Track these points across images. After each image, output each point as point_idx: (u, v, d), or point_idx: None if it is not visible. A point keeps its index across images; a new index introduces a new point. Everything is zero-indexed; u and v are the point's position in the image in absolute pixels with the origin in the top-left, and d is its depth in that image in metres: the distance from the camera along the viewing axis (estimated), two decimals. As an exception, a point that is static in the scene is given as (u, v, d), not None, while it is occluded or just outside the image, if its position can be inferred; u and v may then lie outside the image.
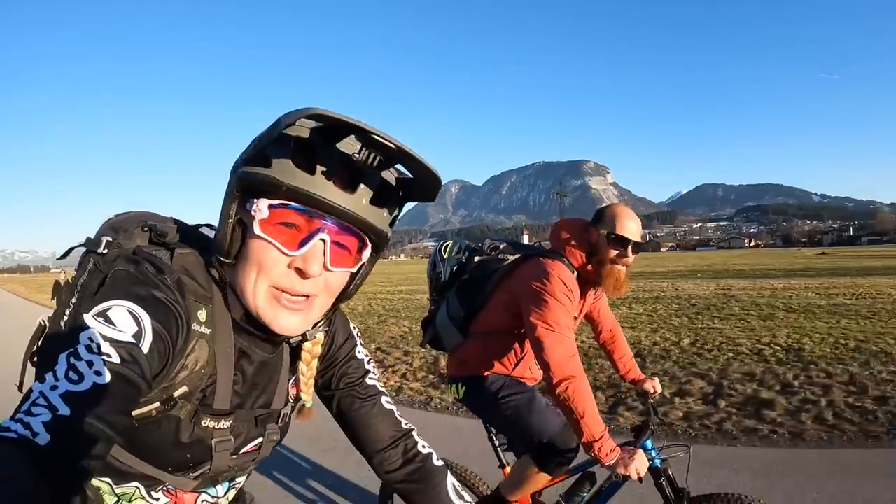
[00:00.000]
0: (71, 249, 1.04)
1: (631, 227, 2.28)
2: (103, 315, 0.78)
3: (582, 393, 2.05)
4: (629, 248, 2.28)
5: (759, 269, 31.95)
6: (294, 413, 1.21)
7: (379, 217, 0.94)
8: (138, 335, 0.79)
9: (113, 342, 0.76)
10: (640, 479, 2.02)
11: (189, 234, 1.05)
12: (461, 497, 1.21)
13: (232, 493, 1.20)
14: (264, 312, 0.92)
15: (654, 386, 2.80)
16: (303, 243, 0.89)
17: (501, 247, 2.76)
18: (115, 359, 0.74)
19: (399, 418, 1.26)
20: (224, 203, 0.91)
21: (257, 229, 0.87)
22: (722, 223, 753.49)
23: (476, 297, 2.59)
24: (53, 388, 0.69)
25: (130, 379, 0.75)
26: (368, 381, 1.25)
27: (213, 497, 1.14)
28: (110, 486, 1.00)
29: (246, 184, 0.87)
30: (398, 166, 0.94)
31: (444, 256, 2.75)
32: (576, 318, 2.46)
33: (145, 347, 0.79)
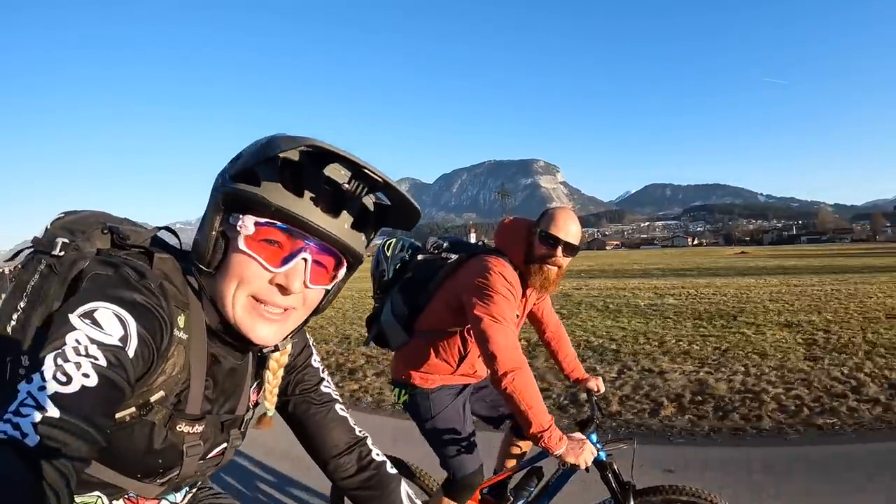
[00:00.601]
0: (20, 252, 1.02)
1: (565, 227, 2.30)
2: (90, 317, 0.78)
3: (527, 384, 2.08)
4: (559, 248, 2.30)
5: (648, 269, 32.41)
6: (254, 421, 1.20)
7: (358, 240, 0.98)
8: (125, 339, 0.79)
9: (100, 345, 0.75)
10: (586, 469, 2.10)
11: (151, 239, 1.05)
12: None
13: (188, 498, 1.22)
14: (243, 322, 0.94)
15: (597, 384, 2.86)
16: (285, 261, 0.92)
17: (444, 245, 2.71)
18: (102, 362, 0.74)
19: (353, 426, 1.29)
20: (207, 214, 0.93)
21: (242, 245, 0.90)
22: (669, 222, 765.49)
23: (420, 295, 2.59)
24: (41, 388, 0.69)
25: (116, 383, 0.75)
26: (323, 389, 1.28)
27: (171, 503, 1.16)
28: None
29: (233, 198, 0.89)
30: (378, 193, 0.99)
31: (388, 254, 2.73)
32: (518, 315, 2.50)
33: (131, 352, 0.79)
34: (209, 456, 1.08)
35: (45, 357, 0.72)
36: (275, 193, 0.86)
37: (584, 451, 2.04)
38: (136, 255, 0.96)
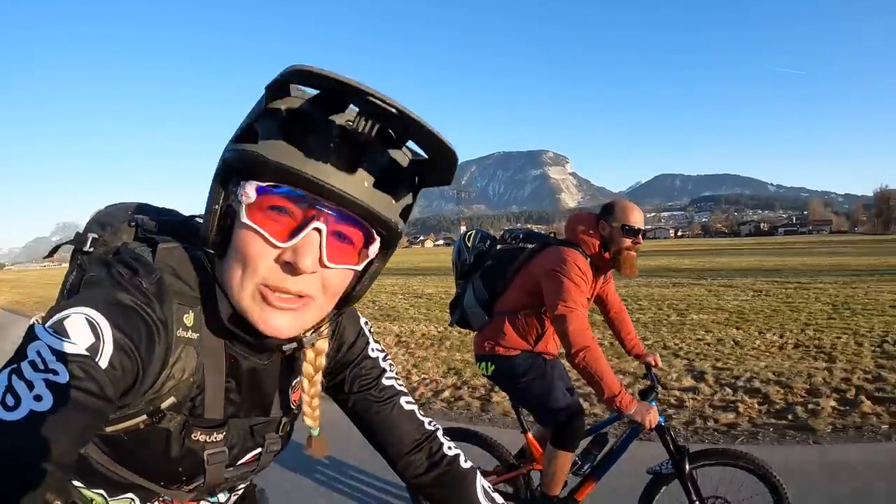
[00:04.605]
0: (58, 247, 0.96)
1: (639, 217, 2.69)
2: (57, 325, 0.68)
3: (597, 358, 2.40)
4: (640, 236, 2.68)
5: (441, 266, 32.78)
6: (305, 445, 1.08)
7: (384, 203, 0.78)
8: (95, 348, 0.68)
9: (63, 356, 0.65)
10: (650, 429, 2.42)
11: (180, 227, 0.95)
12: (491, 500, 1.10)
13: (234, 498, 1.12)
14: (250, 310, 0.79)
15: (655, 359, 3.13)
16: (294, 233, 0.75)
17: (521, 236, 3.03)
18: (63, 377, 0.63)
19: (421, 419, 1.14)
20: (211, 188, 0.79)
21: (244, 216, 0.75)
22: (675, 213, 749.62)
23: (499, 280, 2.91)
24: None
25: (79, 401, 0.64)
26: (385, 382, 1.12)
27: (213, 503, 1.06)
28: (104, 497, 0.92)
29: (232, 164, 0.76)
30: (412, 146, 0.80)
31: (468, 245, 3.07)
32: (589, 299, 2.75)
33: (103, 362, 0.68)
34: (240, 462, 0.99)
35: (2, 373, 0.63)
36: (273, 149, 0.72)
37: (651, 413, 2.37)
38: (142, 247, 0.86)
